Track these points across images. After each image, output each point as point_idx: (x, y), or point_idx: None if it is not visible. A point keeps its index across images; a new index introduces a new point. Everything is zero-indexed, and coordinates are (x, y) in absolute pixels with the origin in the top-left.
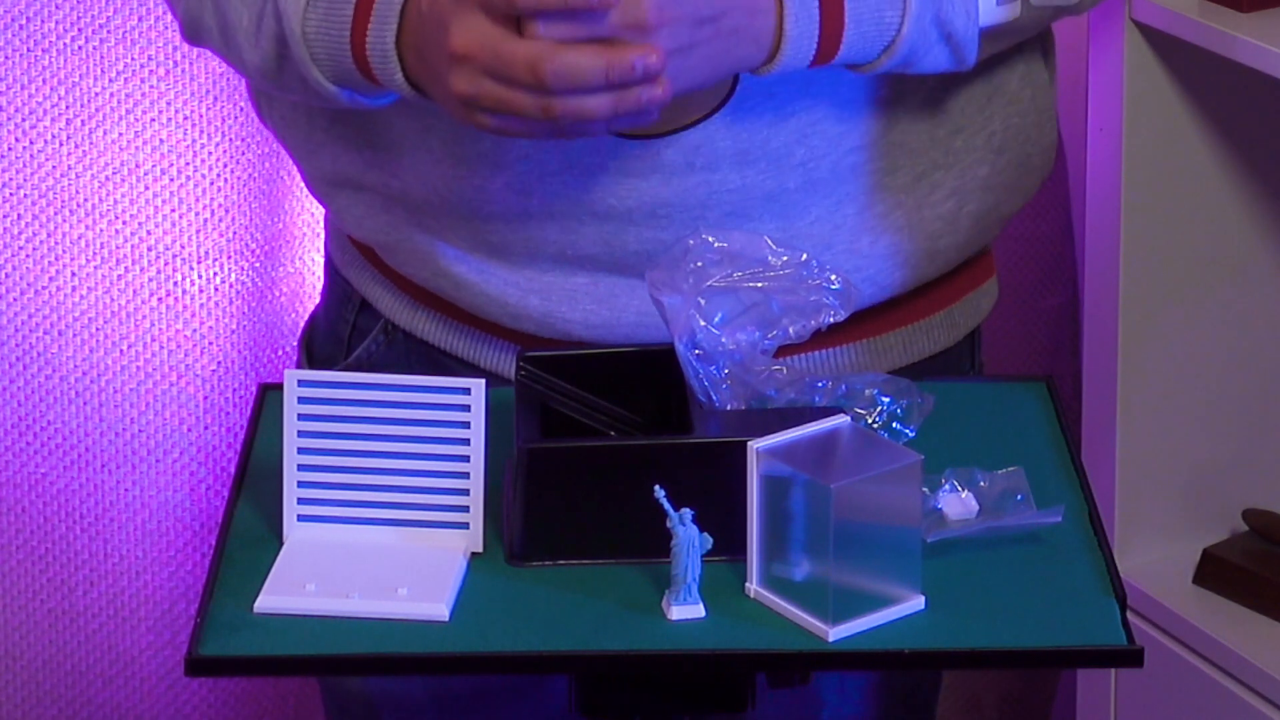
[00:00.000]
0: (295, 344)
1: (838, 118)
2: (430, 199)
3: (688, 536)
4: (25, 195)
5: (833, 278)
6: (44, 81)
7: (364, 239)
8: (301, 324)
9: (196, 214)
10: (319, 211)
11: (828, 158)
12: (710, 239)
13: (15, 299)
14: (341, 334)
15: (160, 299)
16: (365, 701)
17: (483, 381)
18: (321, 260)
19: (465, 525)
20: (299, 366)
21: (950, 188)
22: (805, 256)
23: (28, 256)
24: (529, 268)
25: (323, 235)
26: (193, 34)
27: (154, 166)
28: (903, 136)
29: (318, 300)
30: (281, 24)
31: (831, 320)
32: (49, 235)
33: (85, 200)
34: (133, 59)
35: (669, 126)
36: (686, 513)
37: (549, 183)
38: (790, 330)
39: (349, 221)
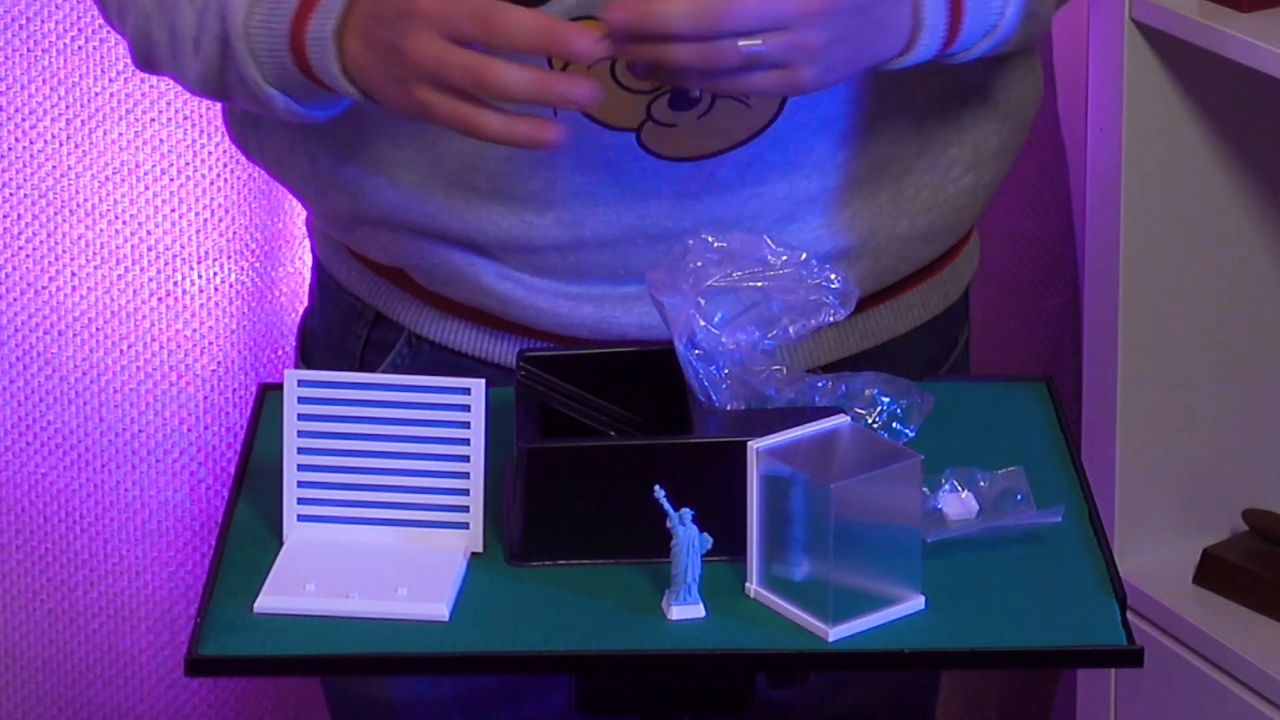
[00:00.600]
0: (293, 348)
1: (875, 115)
2: (472, 234)
3: (688, 536)
4: (25, 195)
5: (832, 277)
6: (44, 81)
7: (391, 264)
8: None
9: (196, 214)
10: None
11: (867, 155)
12: (710, 239)
13: (15, 299)
14: (350, 348)
15: (160, 299)
16: (381, 708)
17: (483, 381)
18: None
19: (465, 525)
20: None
21: (967, 162)
22: (805, 256)
23: (28, 256)
24: (579, 284)
25: (311, 245)
26: (143, 55)
27: (154, 166)
28: (927, 120)
29: (305, 304)
30: (225, 22)
31: (832, 320)
32: (49, 235)
33: (85, 200)
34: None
35: (722, 145)
36: (686, 513)
37: (601, 213)
38: (790, 330)
39: (373, 250)
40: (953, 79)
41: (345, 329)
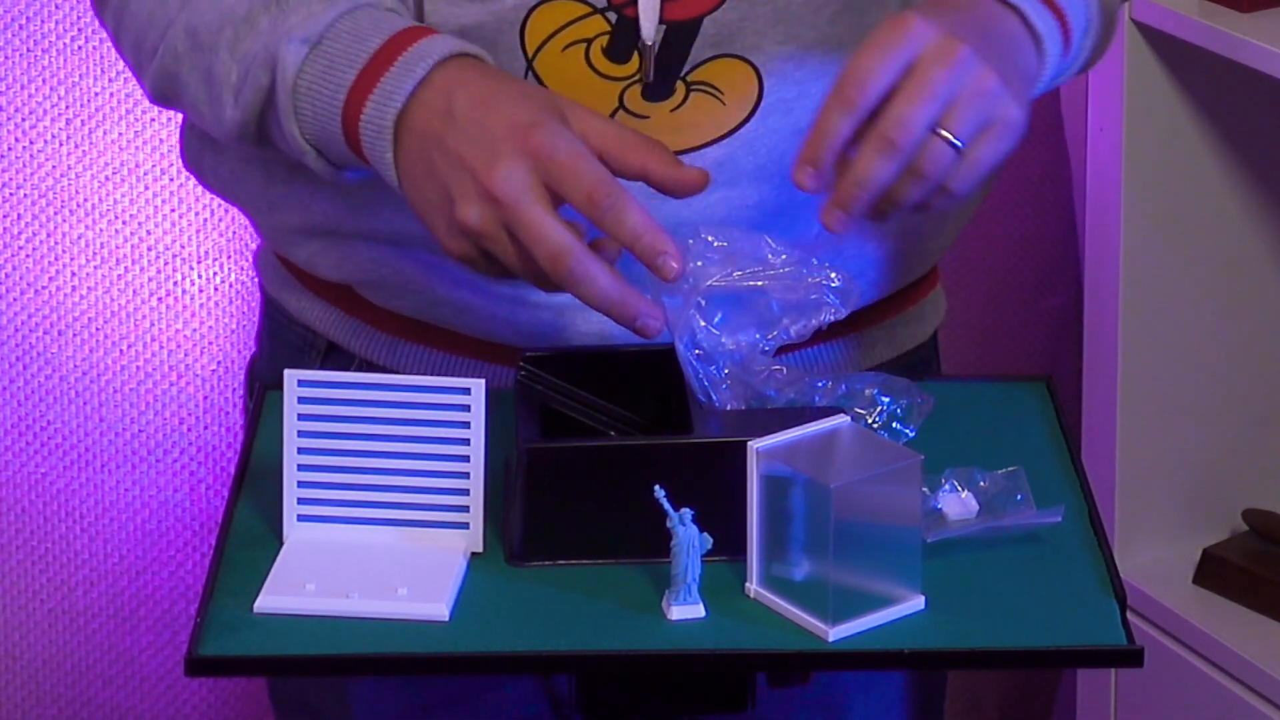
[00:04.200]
0: (241, 390)
1: None
2: (429, 236)
3: (688, 536)
4: (25, 195)
5: (832, 275)
6: (44, 81)
7: (342, 280)
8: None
9: (196, 214)
10: None
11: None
12: (710, 238)
13: (15, 299)
14: None
15: (160, 299)
16: None
17: (482, 381)
18: None
19: (465, 525)
20: (247, 415)
21: None
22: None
23: (28, 256)
24: (538, 289)
25: (260, 283)
26: (162, 93)
27: (154, 166)
28: None
29: (253, 349)
30: (273, 74)
31: (832, 318)
32: (49, 235)
33: (85, 200)
34: None
35: (695, 142)
36: (686, 513)
37: (566, 212)
38: (791, 330)
39: (323, 266)
40: None
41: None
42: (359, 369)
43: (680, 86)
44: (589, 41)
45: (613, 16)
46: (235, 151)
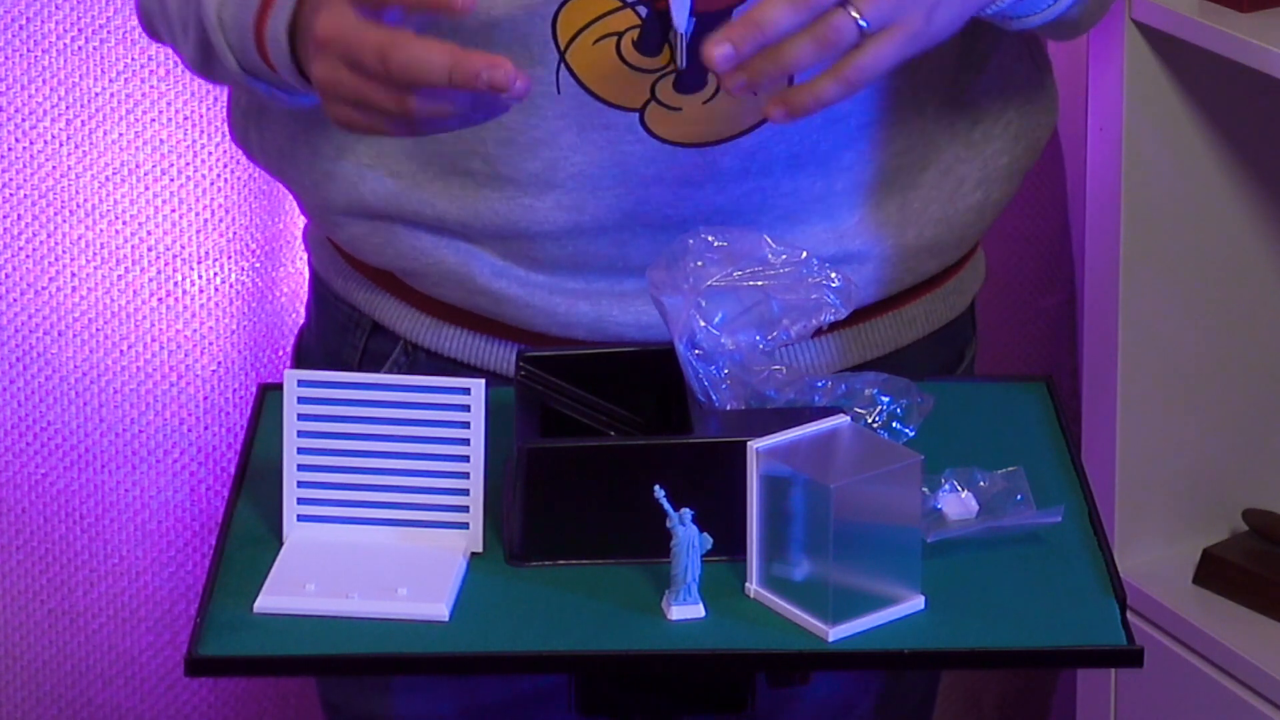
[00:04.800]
0: (288, 362)
1: (882, 121)
2: (469, 221)
3: (688, 536)
4: (25, 195)
5: (833, 275)
6: (44, 81)
7: (383, 266)
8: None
9: (196, 214)
10: None
11: (874, 160)
12: (710, 238)
13: (15, 299)
14: (347, 360)
15: (160, 299)
16: None
17: (482, 381)
18: None
19: (465, 525)
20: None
21: (976, 179)
22: (805, 254)
23: (28, 257)
24: (575, 279)
25: (309, 258)
26: (148, 26)
27: (154, 166)
28: (933, 133)
29: (302, 320)
30: (200, 11)
31: (832, 318)
32: (49, 236)
33: (85, 201)
34: (133, 59)
35: (727, 133)
36: (686, 513)
37: (602, 198)
38: (791, 330)
39: (366, 250)
40: (959, 92)
41: (341, 340)
42: (403, 350)
43: (712, 78)
44: (620, 35)
45: (643, 10)
46: (283, 126)
